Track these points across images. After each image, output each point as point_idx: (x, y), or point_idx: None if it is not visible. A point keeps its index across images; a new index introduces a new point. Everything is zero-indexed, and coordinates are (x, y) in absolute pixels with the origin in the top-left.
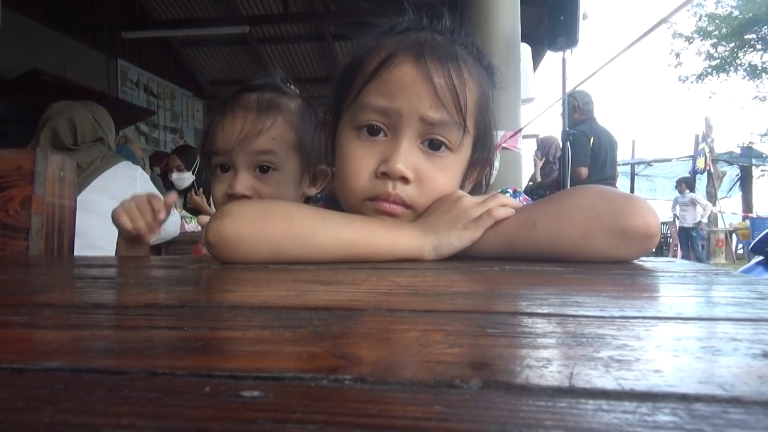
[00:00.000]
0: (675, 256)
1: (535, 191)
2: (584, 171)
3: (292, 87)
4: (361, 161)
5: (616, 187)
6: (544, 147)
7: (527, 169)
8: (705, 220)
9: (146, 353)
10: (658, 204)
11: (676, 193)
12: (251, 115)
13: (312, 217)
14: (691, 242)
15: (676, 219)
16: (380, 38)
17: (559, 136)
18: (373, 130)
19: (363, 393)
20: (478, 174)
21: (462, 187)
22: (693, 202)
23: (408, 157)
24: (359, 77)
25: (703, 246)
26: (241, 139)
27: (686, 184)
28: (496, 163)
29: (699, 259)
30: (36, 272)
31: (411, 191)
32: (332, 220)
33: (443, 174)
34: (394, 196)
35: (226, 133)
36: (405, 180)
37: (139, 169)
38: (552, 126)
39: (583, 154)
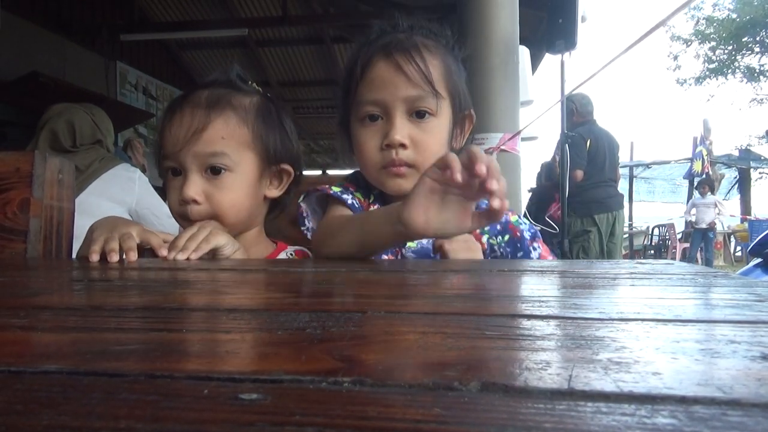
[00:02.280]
0: (674, 258)
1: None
2: (579, 174)
3: (254, 85)
4: (369, 141)
5: (616, 190)
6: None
7: (526, 172)
8: (723, 221)
9: (144, 356)
10: (656, 206)
11: (675, 196)
12: (199, 112)
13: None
14: (706, 243)
15: (691, 221)
16: (360, 50)
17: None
18: (372, 118)
19: (362, 395)
20: (466, 129)
21: (453, 143)
22: (714, 204)
23: (401, 129)
24: (353, 83)
25: (702, 248)
26: (188, 138)
27: (708, 186)
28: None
29: (708, 260)
30: (34, 275)
31: (410, 154)
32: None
33: (431, 135)
34: (399, 160)
35: (173, 133)
36: (403, 146)
37: (138, 171)
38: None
39: (579, 157)
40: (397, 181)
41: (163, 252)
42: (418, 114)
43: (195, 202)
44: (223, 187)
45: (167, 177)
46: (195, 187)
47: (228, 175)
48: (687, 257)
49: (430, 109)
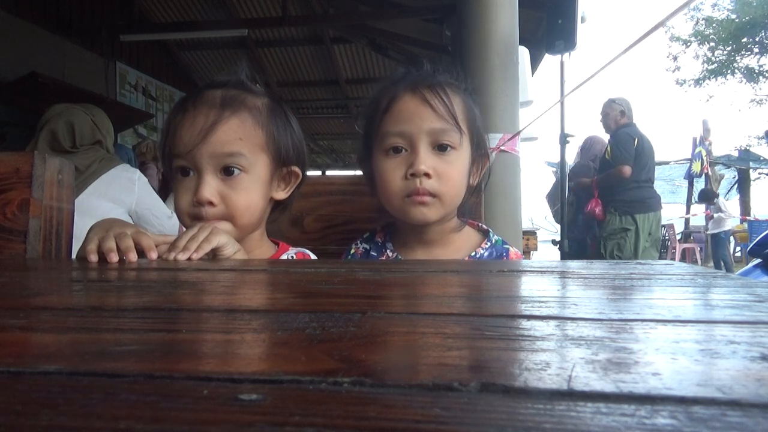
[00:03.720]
0: (674, 258)
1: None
2: (627, 170)
3: (258, 86)
4: (393, 171)
5: (654, 191)
6: (585, 146)
7: (526, 172)
8: (727, 228)
9: (144, 356)
10: None
11: (674, 196)
12: (214, 111)
13: None
14: (718, 245)
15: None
16: (385, 87)
17: (605, 138)
18: (396, 150)
19: (361, 396)
20: (482, 167)
21: (471, 179)
22: (720, 210)
23: (426, 160)
24: (377, 116)
25: (701, 249)
26: (202, 137)
27: (708, 197)
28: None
29: (717, 261)
30: (34, 275)
31: (434, 183)
32: None
33: (454, 167)
34: (422, 189)
35: (187, 131)
36: (427, 176)
37: (138, 171)
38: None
39: (627, 153)
40: (421, 210)
41: (153, 255)
42: (440, 147)
43: (210, 204)
44: (238, 189)
45: (176, 177)
46: (210, 188)
47: (243, 177)
48: (715, 262)
49: (453, 143)
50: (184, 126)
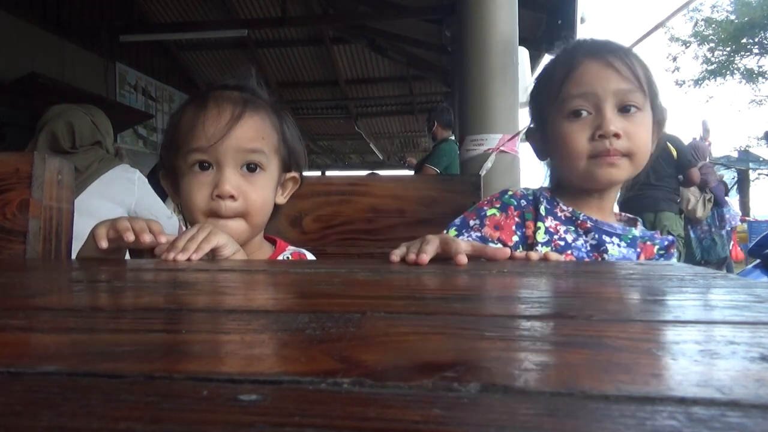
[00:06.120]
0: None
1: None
2: None
3: (265, 92)
4: (578, 133)
5: (644, 194)
6: (700, 151)
7: (525, 172)
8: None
9: (144, 357)
10: None
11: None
12: (239, 108)
13: None
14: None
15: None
16: (561, 56)
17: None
18: (577, 114)
19: (361, 396)
20: (657, 132)
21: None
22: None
23: (614, 121)
24: (555, 84)
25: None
26: (228, 129)
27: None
28: (489, 164)
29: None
30: (33, 275)
31: (624, 143)
32: None
33: (640, 128)
34: (614, 150)
35: (211, 125)
36: (617, 136)
37: (138, 171)
38: None
39: None
40: (610, 170)
41: (162, 239)
42: (625, 109)
43: (231, 198)
44: (257, 186)
45: (190, 172)
46: (232, 182)
47: (262, 174)
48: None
49: (638, 104)
50: (207, 120)
